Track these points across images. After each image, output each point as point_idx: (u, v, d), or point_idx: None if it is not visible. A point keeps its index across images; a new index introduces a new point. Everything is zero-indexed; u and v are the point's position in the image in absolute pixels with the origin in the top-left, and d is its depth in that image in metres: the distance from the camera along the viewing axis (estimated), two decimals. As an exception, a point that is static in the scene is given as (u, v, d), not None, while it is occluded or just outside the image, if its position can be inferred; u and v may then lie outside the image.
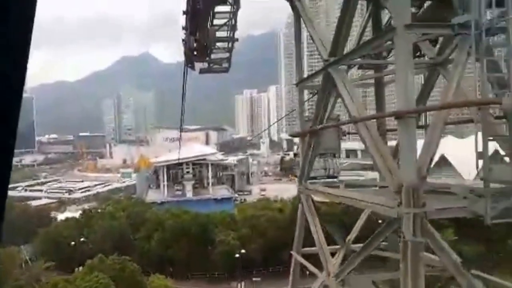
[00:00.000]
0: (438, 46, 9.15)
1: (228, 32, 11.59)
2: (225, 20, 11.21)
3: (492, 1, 5.38)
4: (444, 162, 69.96)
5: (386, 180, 6.10)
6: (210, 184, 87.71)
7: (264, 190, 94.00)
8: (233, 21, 11.22)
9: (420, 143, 5.97)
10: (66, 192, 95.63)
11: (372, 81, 11.08)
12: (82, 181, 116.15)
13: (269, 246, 42.44)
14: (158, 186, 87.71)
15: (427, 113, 9.74)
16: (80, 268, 36.38)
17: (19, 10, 1.18)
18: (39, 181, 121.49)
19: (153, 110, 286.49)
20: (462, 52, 6.05)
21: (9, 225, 47.99)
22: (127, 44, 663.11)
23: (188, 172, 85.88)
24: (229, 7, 10.75)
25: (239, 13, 10.71)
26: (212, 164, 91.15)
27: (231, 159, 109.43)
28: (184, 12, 10.30)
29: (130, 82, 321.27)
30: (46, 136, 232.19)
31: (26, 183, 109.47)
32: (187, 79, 12.65)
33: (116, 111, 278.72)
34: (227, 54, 12.58)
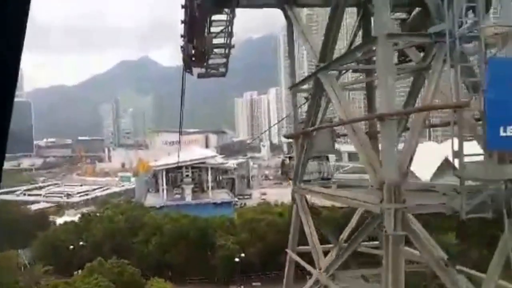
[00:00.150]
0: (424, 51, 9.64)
1: (225, 39, 12.04)
2: (221, 28, 11.66)
3: (462, 11, 5.83)
4: (447, 165, 70.30)
5: (370, 178, 6.54)
6: (210, 188, 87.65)
7: (264, 194, 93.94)
8: (229, 28, 11.66)
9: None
10: (64, 196, 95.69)
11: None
12: (81, 185, 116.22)
13: (268, 250, 42.13)
14: (157, 190, 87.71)
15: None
16: (79, 271, 36.53)
17: (12, 13, 1.19)
18: (37, 185, 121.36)
19: (152, 114, 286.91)
20: (438, 59, 6.50)
21: (8, 229, 48.34)
22: (126, 48, 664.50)
23: (187, 175, 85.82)
24: (225, 15, 11.21)
25: (239, 15, 11.13)
26: (211, 168, 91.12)
27: (231, 163, 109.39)
28: (182, 21, 10.75)
29: (129, 86, 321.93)
30: (44, 140, 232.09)
31: (25, 187, 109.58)
32: (185, 82, 13.10)
33: (115, 115, 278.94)
34: (224, 60, 13.02)
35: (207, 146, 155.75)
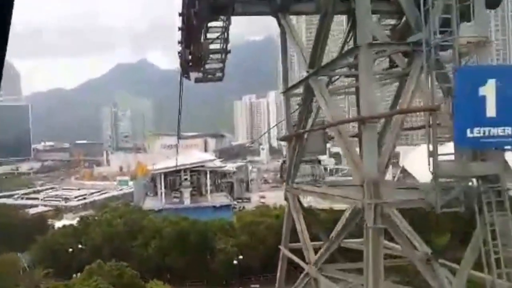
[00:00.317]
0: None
1: (221, 45, 12.59)
2: (218, 34, 12.21)
3: (436, 23, 6.39)
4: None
5: (353, 176, 7.07)
6: (208, 191, 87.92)
7: (263, 197, 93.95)
8: (225, 34, 12.22)
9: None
10: (62, 200, 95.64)
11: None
12: (79, 189, 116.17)
13: (267, 253, 42.23)
14: (155, 194, 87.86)
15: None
16: (78, 274, 36.71)
17: None
18: (35, 189, 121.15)
19: (151, 117, 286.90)
20: (416, 66, 7.06)
21: (7, 232, 48.54)
22: (124, 51, 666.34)
23: (186, 179, 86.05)
24: (222, 22, 11.76)
25: (239, 18, 11.65)
26: (210, 171, 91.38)
27: (230, 166, 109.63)
28: (179, 28, 11.28)
29: (127, 89, 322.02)
30: (42, 143, 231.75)
31: (22, 191, 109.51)
32: (183, 88, 13.64)
33: (113, 119, 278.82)
34: (221, 65, 13.57)
35: (205, 150, 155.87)
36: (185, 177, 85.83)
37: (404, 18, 10.30)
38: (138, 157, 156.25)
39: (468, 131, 5.93)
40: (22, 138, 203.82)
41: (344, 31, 11.41)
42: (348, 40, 11.56)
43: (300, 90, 10.22)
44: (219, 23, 11.66)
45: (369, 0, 7.00)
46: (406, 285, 10.89)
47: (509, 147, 6.82)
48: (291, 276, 11.65)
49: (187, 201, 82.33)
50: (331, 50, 11.57)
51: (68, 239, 48.40)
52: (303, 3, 10.46)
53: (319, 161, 12.16)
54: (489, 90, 5.99)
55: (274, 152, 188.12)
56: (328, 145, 9.23)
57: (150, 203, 79.58)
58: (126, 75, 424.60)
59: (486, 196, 6.87)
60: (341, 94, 13.69)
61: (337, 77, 11.45)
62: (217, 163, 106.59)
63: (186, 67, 12.32)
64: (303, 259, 10.19)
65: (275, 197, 78.90)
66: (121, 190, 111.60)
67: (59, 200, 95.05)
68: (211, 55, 12.69)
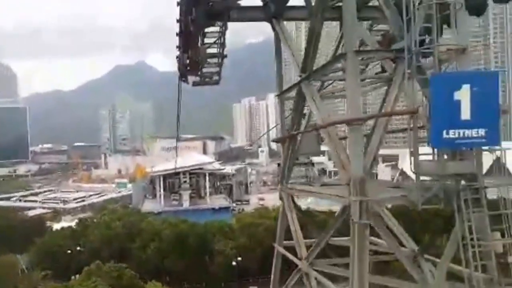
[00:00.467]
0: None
1: (218, 49, 13.07)
2: (214, 39, 12.68)
3: (417, 31, 6.86)
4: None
5: (340, 175, 7.52)
6: (208, 194, 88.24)
7: (262, 199, 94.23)
8: (222, 39, 12.70)
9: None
10: (61, 202, 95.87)
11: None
12: (77, 192, 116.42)
13: (266, 255, 42.22)
14: (154, 196, 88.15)
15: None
16: (77, 276, 36.85)
17: None
18: (33, 191, 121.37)
19: (150, 120, 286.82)
20: (399, 72, 7.53)
21: (5, 234, 48.75)
22: (123, 53, 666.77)
23: (185, 181, 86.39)
24: (218, 27, 12.23)
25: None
26: (209, 174, 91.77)
27: (229, 169, 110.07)
28: (177, 34, 11.75)
29: (125, 91, 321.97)
30: (40, 146, 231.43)
31: (20, 193, 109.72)
32: (181, 91, 14.09)
33: (111, 121, 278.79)
34: (218, 68, 14.04)
35: (205, 153, 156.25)
36: (184, 179, 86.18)
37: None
38: (136, 160, 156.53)
39: (444, 132, 6.39)
40: (20, 140, 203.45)
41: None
42: (341, 45, 12.07)
43: (293, 93, 10.68)
44: (215, 28, 12.14)
45: (355, 9, 7.47)
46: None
47: (486, 147, 7.32)
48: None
49: (186, 204, 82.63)
50: (329, 54, 12.05)
51: (66, 241, 48.51)
52: (296, 10, 10.95)
53: (313, 164, 12.64)
54: (463, 95, 6.46)
55: (273, 154, 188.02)
56: (327, 148, 9.71)
57: (149, 206, 79.82)
58: (124, 77, 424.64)
59: (464, 194, 7.31)
60: (338, 97, 14.15)
61: (330, 80, 11.91)
62: (216, 165, 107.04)
63: (184, 71, 12.78)
64: (296, 256, 10.63)
65: (274, 199, 78.89)
66: (119, 192, 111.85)
67: (57, 202, 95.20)
68: (208, 59, 13.17)
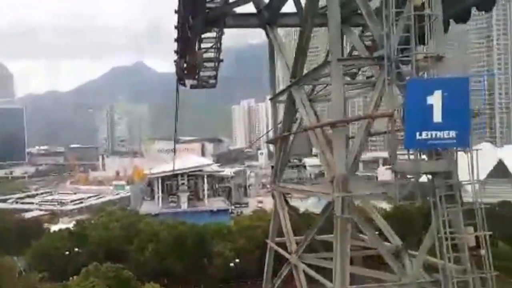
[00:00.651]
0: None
1: (215, 54, 13.68)
2: (211, 44, 13.28)
3: (395, 42, 7.49)
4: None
5: (325, 173, 8.11)
6: (206, 196, 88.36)
7: (261, 202, 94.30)
8: (218, 44, 13.31)
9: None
10: (58, 204, 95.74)
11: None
12: (75, 193, 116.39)
13: (264, 257, 42.29)
14: (152, 198, 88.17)
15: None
16: (74, 277, 36.98)
17: None
18: (29, 193, 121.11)
19: (148, 121, 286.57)
20: (380, 78, 8.14)
21: (2, 236, 48.90)
22: (121, 54, 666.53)
23: (183, 183, 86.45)
24: (215, 33, 12.84)
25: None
26: (208, 176, 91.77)
27: (228, 171, 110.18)
28: (175, 39, 12.36)
29: (123, 92, 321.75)
30: (37, 147, 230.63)
31: (17, 195, 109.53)
32: (179, 94, 14.69)
33: (109, 122, 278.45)
34: (214, 72, 14.66)
35: (203, 155, 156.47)
36: (182, 181, 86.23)
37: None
38: (134, 162, 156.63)
39: (417, 134, 7.00)
40: (16, 141, 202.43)
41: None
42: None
43: (285, 97, 11.27)
44: (212, 34, 12.75)
45: (339, 18, 8.08)
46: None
47: (460, 148, 7.95)
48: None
49: (184, 206, 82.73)
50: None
51: (64, 243, 48.58)
52: (289, 17, 11.58)
53: (304, 166, 13.29)
54: (436, 99, 7.07)
55: (272, 156, 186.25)
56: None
57: (147, 208, 79.87)
58: (122, 78, 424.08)
59: (439, 191, 7.92)
60: (330, 100, 14.69)
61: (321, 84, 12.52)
62: (215, 167, 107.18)
63: (181, 75, 13.37)
64: (287, 251, 11.19)
65: (272, 202, 78.51)
66: (117, 194, 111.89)
67: (54, 204, 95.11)
68: (205, 64, 13.78)
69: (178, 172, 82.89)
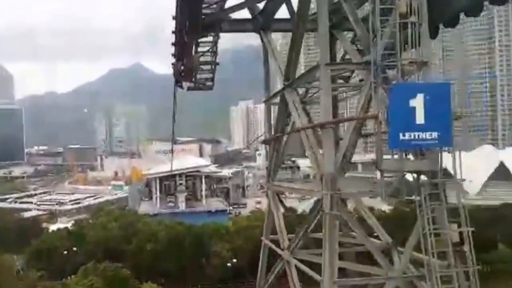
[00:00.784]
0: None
1: (211, 57, 14.07)
2: (208, 48, 13.68)
3: (381, 48, 7.90)
4: (445, 175, 72.64)
5: (315, 172, 8.51)
6: (204, 196, 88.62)
7: (259, 203, 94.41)
8: (214, 48, 13.71)
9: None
10: (56, 204, 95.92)
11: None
12: (73, 194, 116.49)
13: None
14: (150, 198, 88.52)
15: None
16: (73, 276, 37.23)
17: None
18: (28, 193, 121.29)
19: (146, 122, 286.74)
20: (367, 81, 8.55)
21: (1, 235, 49.08)
22: (119, 55, 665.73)
23: (181, 184, 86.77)
24: (211, 37, 13.24)
25: None
26: (206, 177, 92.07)
27: (226, 172, 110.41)
28: (172, 44, 12.75)
29: (122, 93, 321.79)
30: (35, 148, 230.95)
31: (16, 195, 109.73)
32: (176, 97, 15.09)
33: (107, 123, 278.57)
34: (211, 75, 15.06)
35: (201, 155, 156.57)
36: (180, 182, 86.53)
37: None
38: (132, 162, 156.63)
39: (401, 135, 7.40)
40: (15, 142, 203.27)
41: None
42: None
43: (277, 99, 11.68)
44: (208, 38, 13.15)
45: (327, 25, 8.50)
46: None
47: (445, 148, 8.36)
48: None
49: (182, 206, 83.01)
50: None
51: (62, 242, 48.85)
52: (282, 22, 12.02)
53: (298, 167, 13.76)
54: (418, 102, 7.47)
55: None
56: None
57: (145, 208, 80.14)
58: (121, 79, 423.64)
59: (424, 189, 8.33)
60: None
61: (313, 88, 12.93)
62: (213, 168, 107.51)
63: (179, 77, 13.76)
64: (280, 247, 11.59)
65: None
66: (115, 194, 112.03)
67: (52, 204, 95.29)
68: (201, 67, 14.18)
69: (176, 172, 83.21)
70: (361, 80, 12.40)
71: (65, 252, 46.94)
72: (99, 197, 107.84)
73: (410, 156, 8.80)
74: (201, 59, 13.71)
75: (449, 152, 8.51)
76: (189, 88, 15.68)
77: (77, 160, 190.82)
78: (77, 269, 35.58)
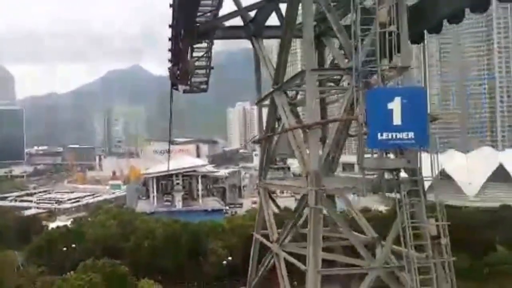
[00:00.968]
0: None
1: (205, 62, 14.71)
2: (202, 53, 14.30)
3: (360, 55, 8.53)
4: (444, 177, 73.84)
5: (301, 170, 9.15)
6: (200, 195, 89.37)
7: (255, 203, 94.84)
8: (209, 53, 14.34)
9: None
10: (56, 203, 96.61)
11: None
12: (72, 192, 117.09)
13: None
14: (147, 197, 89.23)
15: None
16: (72, 272, 37.80)
17: None
18: (28, 191, 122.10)
19: (144, 123, 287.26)
20: (348, 87, 9.17)
21: (2, 232, 49.65)
22: (117, 57, 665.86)
23: (177, 183, 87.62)
24: (205, 43, 13.87)
25: (236, 21, 13.60)
26: (202, 176, 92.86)
27: (222, 172, 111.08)
28: (169, 50, 13.37)
29: (120, 95, 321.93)
30: (35, 147, 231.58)
31: (16, 194, 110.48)
32: (176, 93, 15.76)
33: (106, 124, 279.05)
34: (205, 78, 15.71)
35: (198, 156, 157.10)
36: (177, 181, 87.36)
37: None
38: (130, 162, 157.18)
39: (379, 135, 8.02)
40: (16, 142, 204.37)
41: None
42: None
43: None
44: (203, 44, 13.78)
45: (312, 33, 9.10)
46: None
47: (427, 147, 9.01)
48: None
49: (179, 205, 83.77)
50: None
51: (62, 239, 49.46)
52: (272, 29, 12.64)
53: (289, 168, 14.41)
54: (395, 105, 8.09)
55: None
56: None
57: (142, 206, 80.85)
58: (119, 80, 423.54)
59: (404, 186, 8.96)
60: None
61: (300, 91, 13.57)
62: (209, 168, 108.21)
63: (175, 81, 14.40)
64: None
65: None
66: (113, 193, 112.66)
67: (52, 203, 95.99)
68: (197, 71, 14.82)
69: (173, 172, 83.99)
70: (349, 84, 13.09)
71: (65, 248, 47.48)
72: (98, 196, 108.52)
73: (392, 155, 9.44)
74: (196, 63, 14.37)
75: (428, 152, 9.15)
76: (184, 91, 16.34)
77: (76, 159, 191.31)
78: (76, 266, 36.19)
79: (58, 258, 46.10)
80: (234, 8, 12.16)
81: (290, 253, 10.45)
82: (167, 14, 12.53)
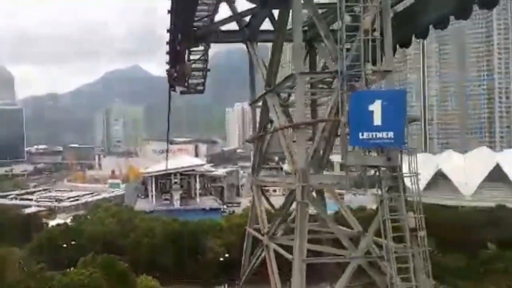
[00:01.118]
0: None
1: (202, 64, 15.38)
2: (199, 56, 14.96)
3: (345, 60, 9.20)
4: (441, 177, 74.54)
5: (289, 167, 9.82)
6: (198, 194, 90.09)
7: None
8: (205, 56, 15.01)
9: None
10: (55, 201, 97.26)
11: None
12: (72, 191, 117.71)
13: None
14: (146, 196, 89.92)
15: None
16: (72, 269, 38.43)
17: None
18: (28, 190, 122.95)
19: (143, 123, 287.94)
20: (335, 89, 9.84)
21: (3, 229, 50.23)
22: (117, 58, 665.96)
23: (176, 182, 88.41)
24: (202, 46, 14.53)
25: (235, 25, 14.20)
26: (200, 176, 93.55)
27: (221, 171, 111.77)
28: (167, 52, 14.02)
29: (120, 95, 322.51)
30: (35, 146, 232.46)
31: (16, 192, 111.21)
32: (171, 100, 16.41)
33: (105, 123, 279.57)
34: (202, 80, 16.37)
35: (196, 155, 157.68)
36: (176, 180, 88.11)
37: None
38: (129, 161, 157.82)
39: (360, 134, 8.69)
40: (16, 141, 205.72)
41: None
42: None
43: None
44: (200, 47, 14.45)
45: (301, 39, 9.76)
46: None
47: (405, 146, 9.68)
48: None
49: (177, 203, 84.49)
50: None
51: (62, 237, 50.10)
52: (267, 34, 13.30)
53: (281, 168, 15.11)
54: (376, 107, 8.75)
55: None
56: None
57: (141, 205, 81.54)
58: (119, 80, 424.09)
59: (385, 182, 9.64)
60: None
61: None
62: (207, 167, 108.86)
63: (172, 82, 15.06)
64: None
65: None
66: (112, 192, 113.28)
67: (51, 201, 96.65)
68: (194, 73, 15.48)
69: (172, 171, 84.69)
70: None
71: (65, 245, 48.12)
72: (97, 195, 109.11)
73: (374, 154, 10.11)
74: (193, 66, 15.04)
75: (407, 154, 9.81)
76: (182, 92, 17.01)
77: (76, 159, 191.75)
78: (76, 262, 36.80)
79: (58, 255, 46.72)
80: (230, 13, 12.82)
81: (280, 245, 11.10)
82: (167, 17, 13.19)
